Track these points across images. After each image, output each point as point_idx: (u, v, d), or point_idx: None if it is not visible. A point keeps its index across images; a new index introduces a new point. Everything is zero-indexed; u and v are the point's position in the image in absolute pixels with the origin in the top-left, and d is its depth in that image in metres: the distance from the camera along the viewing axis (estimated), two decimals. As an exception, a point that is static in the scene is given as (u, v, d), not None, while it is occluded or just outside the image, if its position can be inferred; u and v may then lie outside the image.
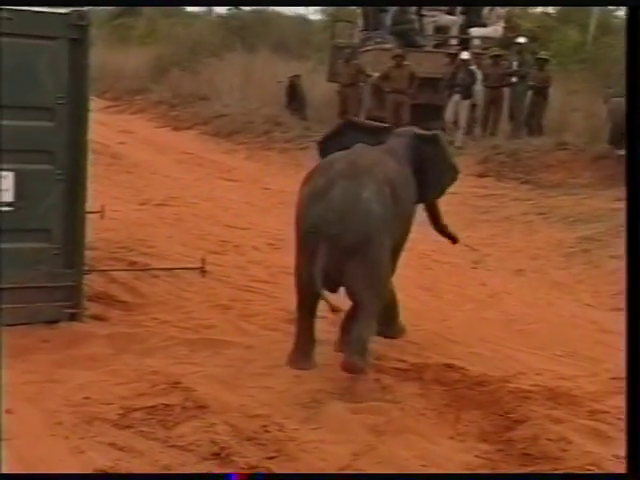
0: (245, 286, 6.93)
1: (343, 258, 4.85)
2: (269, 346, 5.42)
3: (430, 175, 5.51)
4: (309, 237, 4.94)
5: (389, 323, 5.58)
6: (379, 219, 4.90)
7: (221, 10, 29.17)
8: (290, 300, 6.56)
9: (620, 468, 3.70)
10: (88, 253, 5.82)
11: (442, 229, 5.93)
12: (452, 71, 14.42)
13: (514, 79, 14.33)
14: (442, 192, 5.69)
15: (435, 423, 4.38)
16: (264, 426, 4.10)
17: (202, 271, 6.93)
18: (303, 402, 4.52)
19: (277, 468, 3.73)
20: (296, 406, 4.46)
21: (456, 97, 14.36)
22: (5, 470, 3.55)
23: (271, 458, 3.81)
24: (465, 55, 14.49)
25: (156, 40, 27.10)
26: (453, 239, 5.99)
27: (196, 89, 20.38)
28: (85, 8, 5.38)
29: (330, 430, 4.19)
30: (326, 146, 5.59)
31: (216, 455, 3.77)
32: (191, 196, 10.86)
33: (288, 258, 8.17)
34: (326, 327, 5.45)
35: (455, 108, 14.39)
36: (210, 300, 6.36)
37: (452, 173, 5.67)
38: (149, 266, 6.96)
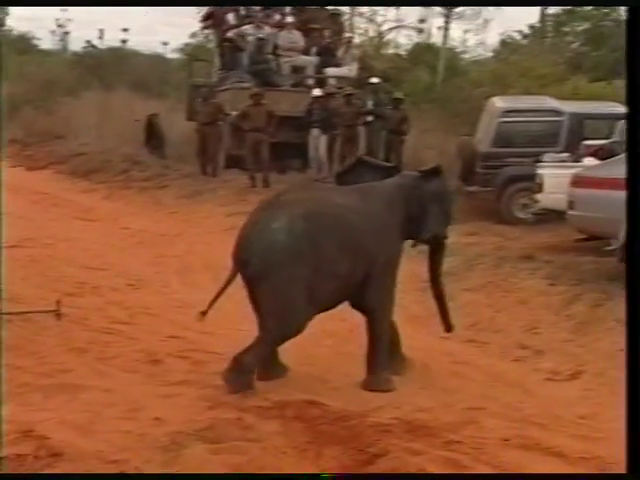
0: (103, 328, 6.78)
1: (250, 284, 5.36)
2: (128, 389, 5.31)
3: (432, 210, 5.82)
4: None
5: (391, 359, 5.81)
6: (284, 250, 4.98)
7: (76, 48, 28.74)
8: (150, 341, 6.50)
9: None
10: None
11: (435, 282, 6.15)
12: (307, 108, 14.68)
13: (370, 118, 14.70)
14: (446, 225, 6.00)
15: (296, 460, 4.38)
16: (122, 472, 4.00)
17: (57, 314, 6.74)
18: (163, 445, 4.43)
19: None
20: (155, 449, 4.38)
21: (315, 132, 14.63)
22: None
23: (129, 504, 3.73)
24: (317, 92, 14.81)
25: (7, 77, 26.37)
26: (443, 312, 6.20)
27: (51, 128, 19.95)
28: None
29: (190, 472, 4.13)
30: (340, 182, 5.96)
31: (71, 504, 3.66)
32: (46, 237, 10.57)
33: (148, 298, 8.13)
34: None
35: (315, 143, 14.66)
36: (66, 344, 6.19)
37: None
38: (1, 310, 6.71)
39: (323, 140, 14.67)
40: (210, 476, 3.73)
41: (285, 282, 5.17)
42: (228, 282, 5.46)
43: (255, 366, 5.39)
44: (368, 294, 5.61)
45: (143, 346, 6.30)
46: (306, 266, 5.20)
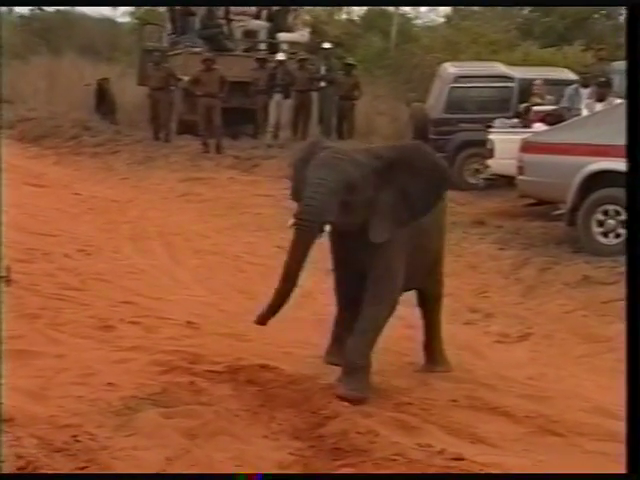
0: (54, 294, 6.73)
1: None
2: (80, 355, 5.29)
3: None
4: None
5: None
6: None
7: (23, 10, 28.13)
8: (102, 307, 6.48)
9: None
10: None
11: None
12: (270, 72, 14.61)
13: (322, 84, 14.68)
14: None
15: (249, 424, 4.41)
16: (74, 436, 4.00)
17: (7, 280, 6.67)
18: (116, 410, 4.43)
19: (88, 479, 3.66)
20: (108, 414, 4.37)
21: (277, 97, 14.58)
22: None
23: (82, 468, 3.72)
24: (281, 56, 14.76)
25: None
26: None
27: (-2, 92, 19.58)
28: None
29: (143, 436, 4.14)
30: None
31: (22, 469, 3.65)
32: (-4, 203, 10.42)
33: (100, 264, 8.09)
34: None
35: (277, 109, 14.61)
36: (17, 310, 6.12)
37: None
38: (-51, 277, 6.64)
39: (287, 105, 14.63)
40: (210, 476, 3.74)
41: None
42: None
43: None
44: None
45: (95, 312, 6.28)
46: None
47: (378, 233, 4.71)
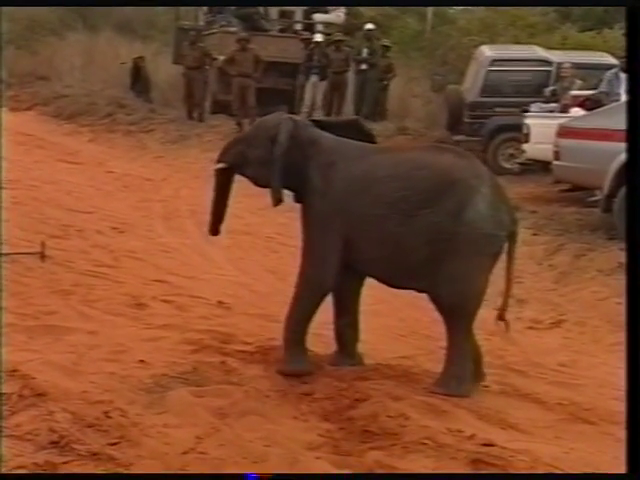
0: (88, 271, 6.79)
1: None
2: (112, 331, 5.35)
3: None
4: None
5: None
6: None
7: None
8: (135, 285, 6.52)
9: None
10: None
11: None
12: (307, 54, 14.55)
13: (364, 66, 14.56)
14: None
15: (279, 404, 4.43)
16: (106, 412, 4.04)
17: (42, 256, 6.74)
18: (147, 387, 4.48)
19: (119, 454, 3.69)
20: (140, 391, 4.42)
21: (314, 79, 14.53)
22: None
23: (113, 444, 3.77)
24: (318, 37, 14.71)
25: (-10, 17, 25.97)
26: None
27: (34, 69, 19.71)
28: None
29: (174, 414, 4.18)
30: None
31: (55, 443, 3.69)
32: (31, 179, 10.51)
33: (133, 242, 8.13)
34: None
35: (313, 90, 14.56)
36: (50, 286, 6.20)
37: None
38: (-15, 251, 6.71)
39: (322, 87, 14.59)
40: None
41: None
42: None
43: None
44: None
45: (127, 289, 6.33)
46: None
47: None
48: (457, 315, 4.66)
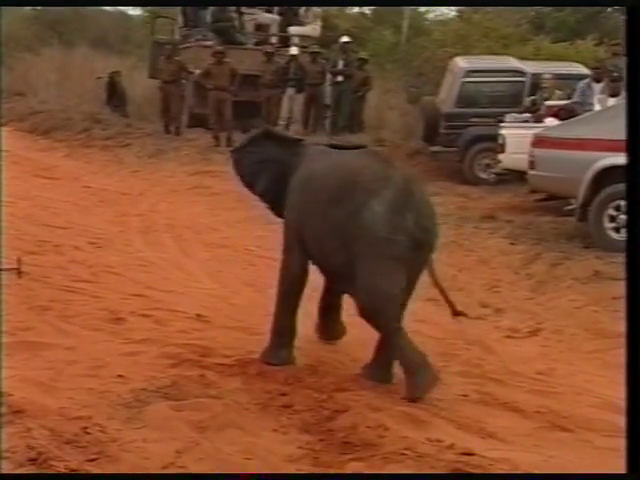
0: (65, 286, 6.75)
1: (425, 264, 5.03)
2: (91, 347, 5.31)
3: None
4: None
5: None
6: None
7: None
8: (113, 299, 6.49)
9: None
10: None
11: None
12: (283, 66, 14.60)
13: (340, 78, 14.63)
14: None
15: (258, 417, 4.42)
16: (84, 428, 4.02)
17: (18, 272, 6.70)
18: (126, 402, 4.46)
19: (98, 470, 3.67)
20: (118, 406, 4.40)
21: (290, 91, 14.58)
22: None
23: (92, 460, 3.74)
24: (294, 50, 14.74)
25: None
26: None
27: (10, 85, 19.57)
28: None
29: (153, 429, 4.16)
30: (240, 156, 5.49)
31: (33, 460, 3.66)
32: (7, 195, 10.44)
33: (111, 257, 8.10)
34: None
35: (290, 103, 14.61)
36: (27, 302, 6.15)
37: None
38: (-40, 268, 6.66)
39: (299, 99, 14.64)
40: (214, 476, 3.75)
41: None
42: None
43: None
44: None
45: (105, 304, 6.30)
46: None
47: None
48: (372, 318, 4.81)
